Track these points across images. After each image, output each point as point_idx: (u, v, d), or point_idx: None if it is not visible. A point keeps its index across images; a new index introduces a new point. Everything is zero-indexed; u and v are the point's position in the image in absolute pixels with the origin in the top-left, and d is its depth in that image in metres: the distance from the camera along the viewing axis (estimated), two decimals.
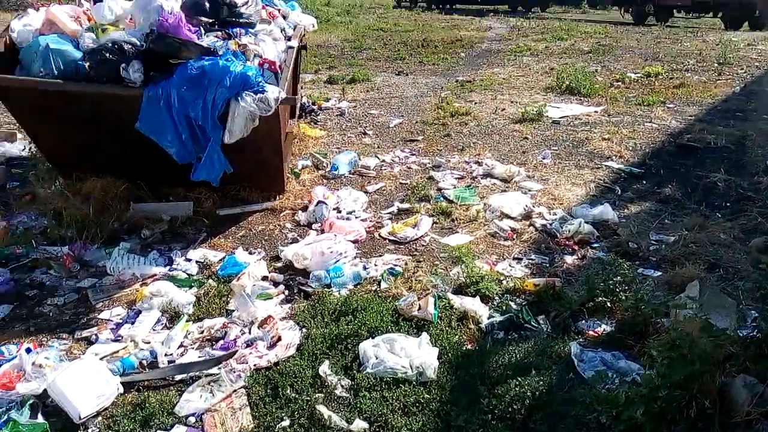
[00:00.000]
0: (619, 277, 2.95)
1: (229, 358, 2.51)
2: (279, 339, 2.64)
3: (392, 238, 3.76)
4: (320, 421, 2.17)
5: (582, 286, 3.09)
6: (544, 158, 5.18)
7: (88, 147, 3.64)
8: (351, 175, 4.82)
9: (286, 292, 3.11)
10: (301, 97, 6.78)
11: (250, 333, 2.70)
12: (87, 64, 3.13)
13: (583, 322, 2.85)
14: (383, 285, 3.15)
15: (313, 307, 2.91)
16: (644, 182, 4.65)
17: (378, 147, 5.56)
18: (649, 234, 3.77)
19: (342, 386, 2.35)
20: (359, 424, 2.15)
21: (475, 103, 7.12)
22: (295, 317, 2.85)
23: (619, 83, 8.26)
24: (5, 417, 2.04)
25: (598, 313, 2.89)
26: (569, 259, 3.51)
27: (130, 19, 3.46)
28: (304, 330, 2.73)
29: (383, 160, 5.15)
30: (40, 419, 2.11)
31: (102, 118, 3.37)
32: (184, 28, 3.21)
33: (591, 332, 2.77)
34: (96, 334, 2.70)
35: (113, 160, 3.74)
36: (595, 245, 3.66)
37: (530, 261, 3.50)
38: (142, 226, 3.75)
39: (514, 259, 3.52)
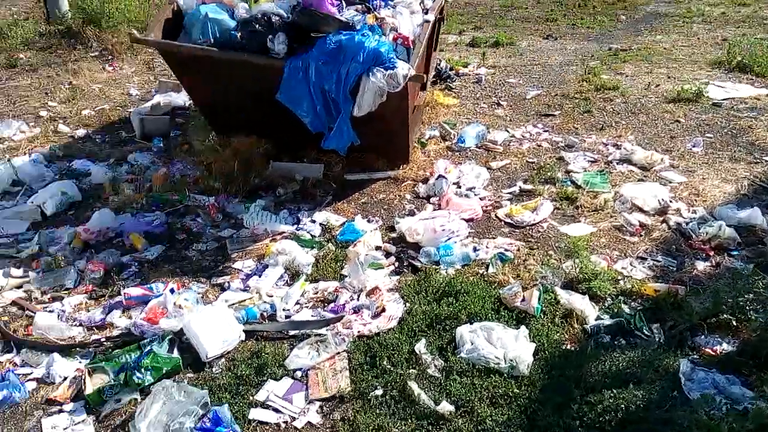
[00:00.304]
0: (752, 294, 2.70)
1: (336, 322, 2.73)
2: (383, 310, 2.80)
3: (508, 220, 3.73)
4: (410, 397, 2.31)
5: (709, 297, 2.87)
6: (694, 146, 4.72)
7: (236, 108, 4.00)
8: (477, 149, 4.79)
9: (396, 264, 3.26)
10: (439, 61, 6.76)
11: (358, 300, 2.90)
12: (239, 35, 3.42)
13: (702, 337, 2.67)
14: (491, 269, 3.17)
15: (419, 283, 3.03)
16: None
17: (510, 120, 5.42)
18: None
19: (435, 366, 2.47)
20: (446, 406, 2.26)
21: (627, 77, 6.59)
22: (400, 290, 3.00)
23: None
24: (148, 348, 2.43)
25: (721, 330, 2.69)
26: (701, 266, 3.24)
27: None
28: (407, 305, 2.87)
29: (513, 135, 5.03)
30: (176, 354, 2.48)
31: (249, 84, 3.68)
32: (326, 1, 3.35)
33: (708, 349, 2.59)
34: (229, 282, 3.06)
35: (257, 122, 4.08)
36: (734, 253, 3.34)
37: (655, 262, 3.29)
38: (278, 184, 4.08)
39: (637, 258, 3.33)
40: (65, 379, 2.43)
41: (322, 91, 3.43)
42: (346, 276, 3.10)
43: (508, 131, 5.11)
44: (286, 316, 2.80)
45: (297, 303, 2.90)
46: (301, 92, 3.46)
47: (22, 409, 2.32)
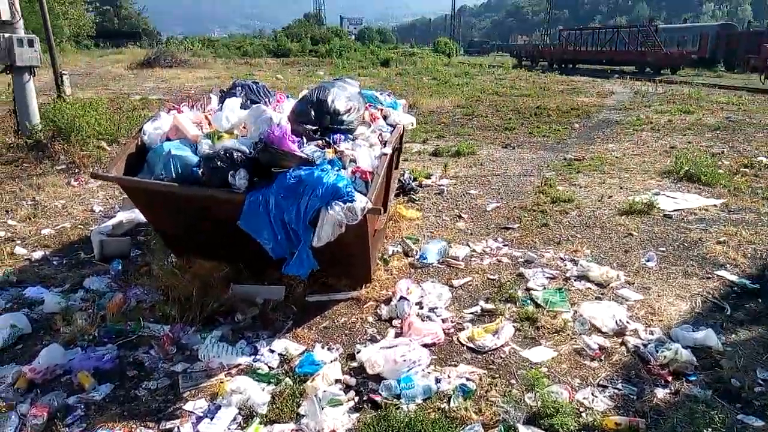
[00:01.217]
0: (710, 430, 2.69)
1: None
2: None
3: (470, 344, 3.71)
4: None
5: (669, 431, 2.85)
6: (648, 261, 4.88)
7: (197, 234, 4.02)
8: (439, 265, 4.85)
9: (356, 399, 3.17)
10: (403, 173, 7.01)
11: None
12: (201, 171, 3.51)
13: None
14: (453, 403, 3.11)
15: (378, 422, 2.93)
16: (760, 300, 4.21)
17: (471, 233, 5.56)
18: (756, 370, 3.40)
19: None
20: None
21: (581, 187, 6.91)
22: None
23: (747, 170, 7.63)
24: None
25: None
26: (660, 393, 3.24)
27: (244, 126, 3.83)
28: None
29: (474, 250, 5.14)
30: None
31: (210, 214, 3.73)
32: (287, 139, 3.49)
33: None
34: (178, 427, 2.92)
35: (218, 246, 4.09)
36: (692, 378, 3.35)
37: (616, 390, 3.27)
38: (237, 308, 4.02)
39: (598, 386, 3.32)
40: None
41: (282, 222, 3.49)
42: (303, 416, 2.99)
43: (469, 245, 5.22)
44: None
45: None
46: (262, 223, 3.52)
47: None
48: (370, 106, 4.60)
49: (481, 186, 7.10)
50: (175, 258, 4.42)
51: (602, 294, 4.36)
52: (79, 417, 2.96)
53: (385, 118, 4.56)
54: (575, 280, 4.57)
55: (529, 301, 4.26)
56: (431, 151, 9.03)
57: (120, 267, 4.61)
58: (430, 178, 7.30)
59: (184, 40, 42.73)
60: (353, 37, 63.11)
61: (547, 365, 3.49)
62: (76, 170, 7.49)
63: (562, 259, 4.95)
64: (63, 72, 10.10)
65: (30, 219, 5.77)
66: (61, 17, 34.85)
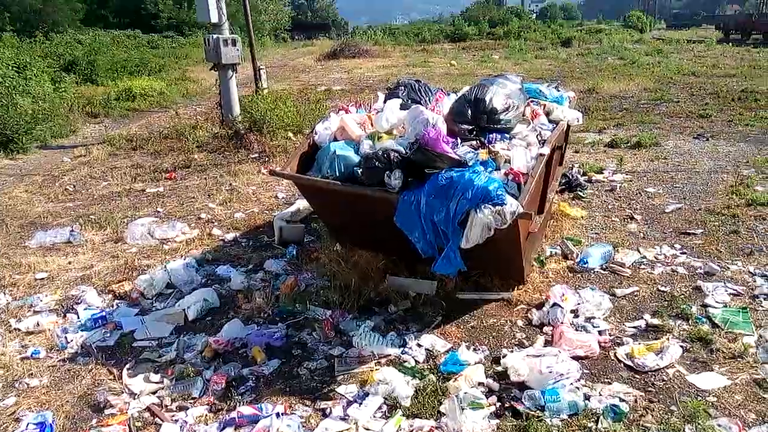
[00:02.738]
0: None
1: None
2: None
3: (628, 362, 3.47)
4: None
5: None
6: None
7: (358, 228, 4.31)
8: (602, 271, 4.57)
9: (498, 405, 3.17)
10: (571, 167, 6.67)
11: None
12: (360, 171, 3.74)
13: None
14: (601, 424, 2.96)
15: None
16: None
17: (643, 237, 5.11)
18: None
19: None
20: None
21: None
22: None
23: None
24: None
25: None
26: None
27: (403, 126, 3.98)
28: None
29: (644, 257, 4.73)
30: None
31: (368, 210, 3.97)
32: (441, 141, 3.56)
33: None
34: (331, 408, 3.20)
35: (376, 240, 4.33)
36: None
37: None
38: (390, 300, 4.24)
39: None
40: None
41: (432, 222, 3.58)
42: (443, 414, 3.08)
43: (639, 251, 4.83)
44: None
45: None
46: (413, 222, 3.65)
47: None
48: (532, 101, 4.45)
49: (662, 183, 6.45)
50: (340, 247, 4.78)
51: None
52: (250, 388, 3.40)
53: (547, 114, 4.37)
54: (765, 299, 3.99)
55: (704, 320, 3.83)
56: (607, 141, 8.41)
57: (294, 252, 5.12)
58: (602, 173, 6.83)
59: (368, 29, 44.90)
60: (534, 15, 60.61)
61: (717, 395, 3.14)
62: (266, 159, 8.39)
63: (751, 273, 4.34)
64: (260, 67, 11.29)
65: (226, 203, 6.64)
66: (263, 13, 38.85)
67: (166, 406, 3.29)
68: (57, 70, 14.96)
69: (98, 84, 16.16)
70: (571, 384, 3.26)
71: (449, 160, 3.54)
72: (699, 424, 2.84)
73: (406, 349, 3.69)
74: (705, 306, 3.98)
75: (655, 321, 3.85)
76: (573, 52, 23.76)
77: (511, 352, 3.56)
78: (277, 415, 3.04)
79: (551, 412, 3.06)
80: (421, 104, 4.31)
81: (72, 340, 3.96)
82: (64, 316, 4.31)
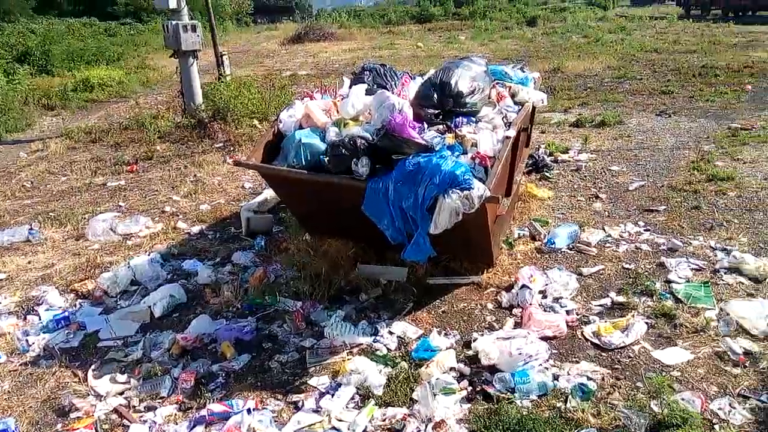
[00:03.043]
0: None
1: None
2: None
3: (595, 340, 3.53)
4: None
5: None
6: None
7: (326, 216, 4.26)
8: (568, 251, 4.62)
9: (469, 389, 3.19)
10: (537, 147, 6.72)
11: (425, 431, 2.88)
12: (327, 159, 3.69)
13: None
14: (570, 403, 3.01)
15: (489, 416, 2.94)
16: None
17: (608, 216, 5.19)
18: None
19: None
20: None
21: (745, 163, 6.10)
22: (469, 423, 2.93)
23: None
24: None
25: None
26: None
27: (369, 112, 3.93)
28: None
29: (609, 235, 4.81)
30: None
31: (336, 198, 3.92)
32: (408, 126, 3.53)
33: None
34: (303, 401, 3.18)
35: (345, 228, 4.30)
36: None
37: (759, 403, 2.93)
38: (361, 288, 4.22)
39: (739, 396, 2.99)
40: None
41: (400, 209, 3.56)
42: (416, 401, 3.09)
43: (604, 230, 4.90)
44: None
45: (364, 431, 2.93)
46: (382, 209, 3.62)
47: None
48: (497, 83, 4.44)
49: (626, 161, 6.55)
50: (309, 236, 4.72)
51: (756, 291, 3.87)
52: (220, 384, 3.36)
53: (513, 96, 4.37)
54: (725, 273, 4.10)
55: (668, 295, 3.92)
56: (572, 121, 8.48)
57: (263, 243, 5.04)
58: (567, 153, 6.89)
59: (333, 11, 44.19)
60: None
61: (681, 369, 3.22)
62: (231, 148, 8.23)
63: (712, 248, 4.45)
64: (223, 52, 10.99)
65: (191, 195, 6.50)
66: None
67: (134, 406, 3.22)
68: (9, 62, 14.39)
69: (54, 75, 15.59)
70: (540, 365, 3.31)
71: (416, 146, 3.51)
72: (664, 399, 2.90)
73: (377, 338, 3.68)
74: (668, 282, 4.07)
75: (621, 299, 3.92)
76: (538, 31, 23.83)
77: (482, 335, 3.59)
78: (248, 410, 3.00)
79: (521, 393, 3.10)
80: (387, 89, 4.26)
81: (34, 343, 3.84)
82: (25, 318, 4.18)
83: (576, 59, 14.31)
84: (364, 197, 3.67)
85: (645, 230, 4.86)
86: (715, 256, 4.33)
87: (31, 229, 5.64)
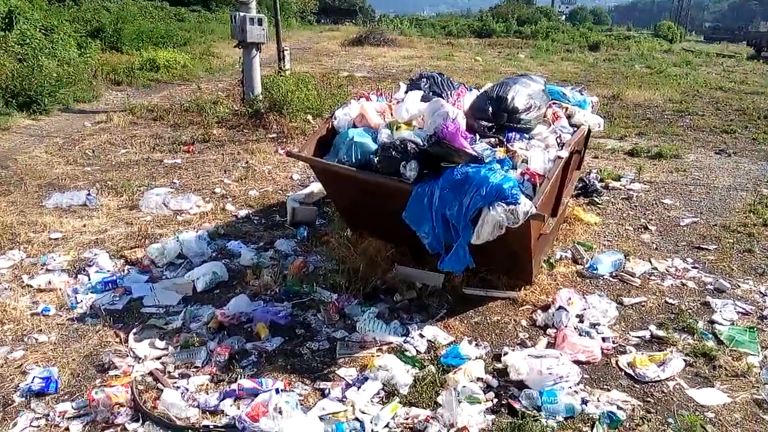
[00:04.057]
0: None
1: None
2: None
3: (629, 371, 3.46)
4: None
5: None
6: None
7: (370, 215, 4.32)
8: (611, 279, 4.55)
9: (495, 401, 3.19)
10: (589, 171, 6.63)
11: None
12: (376, 159, 3.75)
13: None
14: (596, 429, 2.96)
15: (513, 430, 2.93)
16: None
17: (655, 248, 5.09)
18: None
19: None
20: None
21: None
22: None
23: None
24: None
25: None
26: None
27: (422, 118, 3.97)
28: None
29: (655, 268, 4.71)
30: None
31: (381, 199, 3.98)
32: (459, 136, 3.55)
33: None
34: (329, 389, 3.24)
35: (387, 229, 4.35)
36: None
37: None
38: (396, 289, 4.25)
39: None
40: None
41: (443, 217, 3.58)
42: (440, 405, 3.10)
43: (650, 262, 4.80)
44: None
45: (386, 426, 2.96)
46: (424, 215, 3.65)
47: None
48: (554, 103, 4.42)
49: (679, 196, 6.40)
50: (350, 232, 4.80)
51: None
52: (252, 362, 3.45)
53: (569, 117, 4.34)
54: None
55: (710, 336, 3.82)
56: (628, 150, 8.33)
57: (305, 233, 5.15)
58: (619, 181, 6.78)
59: (395, 18, 44.63)
60: (564, 17, 59.87)
61: (716, 411, 3.14)
62: (284, 139, 8.41)
63: (762, 293, 4.31)
64: (285, 48, 11.29)
65: (241, 180, 6.68)
66: None
67: (169, 372, 3.35)
68: (83, 36, 15.04)
69: (123, 52, 16.23)
70: (570, 387, 3.27)
71: (466, 156, 3.53)
72: None
73: (408, 339, 3.71)
74: (712, 322, 3.96)
75: (660, 333, 3.84)
76: (600, 56, 23.48)
77: (513, 350, 3.58)
78: (277, 390, 3.08)
79: (548, 412, 3.07)
80: (442, 97, 4.29)
81: (81, 301, 4.03)
82: (76, 276, 4.38)
83: (637, 88, 14.03)
84: (408, 202, 3.70)
85: (693, 267, 4.74)
86: (765, 302, 4.20)
87: (89, 194, 5.91)
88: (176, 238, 4.79)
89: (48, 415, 3.00)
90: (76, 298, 4.04)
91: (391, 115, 4.16)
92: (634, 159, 7.89)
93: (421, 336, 3.75)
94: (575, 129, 4.20)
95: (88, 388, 3.14)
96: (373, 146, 3.89)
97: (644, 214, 5.88)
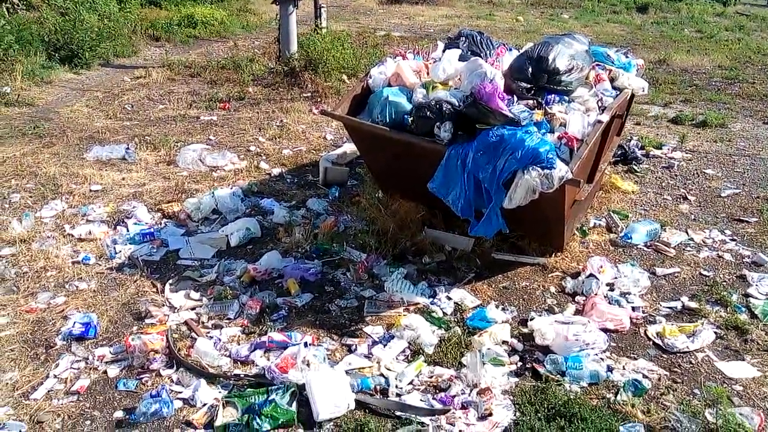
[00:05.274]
0: None
1: (442, 414, 2.81)
2: (490, 414, 2.80)
3: (658, 341, 3.44)
4: None
5: None
6: None
7: (402, 176, 4.30)
8: (645, 248, 4.47)
9: (519, 364, 3.22)
10: (629, 138, 6.44)
11: (469, 395, 2.94)
12: (411, 119, 3.71)
13: None
14: (620, 396, 2.97)
15: (536, 394, 2.96)
16: None
17: (693, 219, 4.95)
18: None
19: None
20: None
21: None
22: (514, 396, 2.96)
23: None
24: (272, 396, 2.76)
25: None
26: None
27: (459, 78, 3.90)
28: (517, 414, 2.83)
29: (692, 239, 4.60)
30: (294, 407, 2.77)
31: (414, 160, 3.96)
32: (497, 96, 3.48)
33: None
34: (356, 345, 3.31)
35: (419, 190, 4.33)
36: None
37: None
38: (425, 251, 4.27)
39: None
40: (204, 405, 2.87)
41: (475, 180, 3.55)
42: (464, 365, 3.15)
43: (687, 233, 4.69)
44: (397, 394, 2.95)
45: (410, 383, 3.03)
46: (455, 178, 3.62)
47: (166, 425, 2.80)
48: (597, 65, 4.26)
49: (722, 166, 6.17)
50: (381, 193, 4.80)
51: None
52: (282, 316, 3.55)
53: (612, 80, 4.18)
54: None
55: (743, 309, 3.74)
56: (671, 117, 8.01)
57: (337, 193, 5.18)
58: (660, 149, 6.55)
59: None
60: None
61: (745, 384, 3.11)
62: (318, 99, 8.38)
63: None
64: (322, 5, 11.11)
65: (276, 139, 6.72)
66: None
67: (203, 322, 3.48)
68: None
69: (162, 8, 16.24)
70: (596, 354, 3.27)
71: (502, 117, 3.47)
72: (720, 410, 2.81)
73: (435, 300, 3.75)
74: (747, 296, 3.88)
75: (692, 304, 3.78)
76: (648, 19, 22.32)
77: (540, 315, 3.58)
78: (306, 344, 3.17)
79: (572, 378, 3.09)
80: (480, 57, 4.19)
81: (120, 251, 4.18)
82: (115, 227, 4.54)
83: (685, 53, 13.38)
84: (438, 167, 3.67)
85: (731, 239, 4.61)
86: None
87: (128, 148, 6.04)
88: (211, 194, 4.89)
89: (87, 358, 3.17)
90: (114, 248, 4.19)
91: (428, 74, 4.10)
92: (678, 127, 7.59)
93: (448, 298, 3.78)
94: (618, 92, 4.06)
95: (126, 335, 3.29)
96: (408, 106, 3.85)
97: (684, 183, 5.70)
